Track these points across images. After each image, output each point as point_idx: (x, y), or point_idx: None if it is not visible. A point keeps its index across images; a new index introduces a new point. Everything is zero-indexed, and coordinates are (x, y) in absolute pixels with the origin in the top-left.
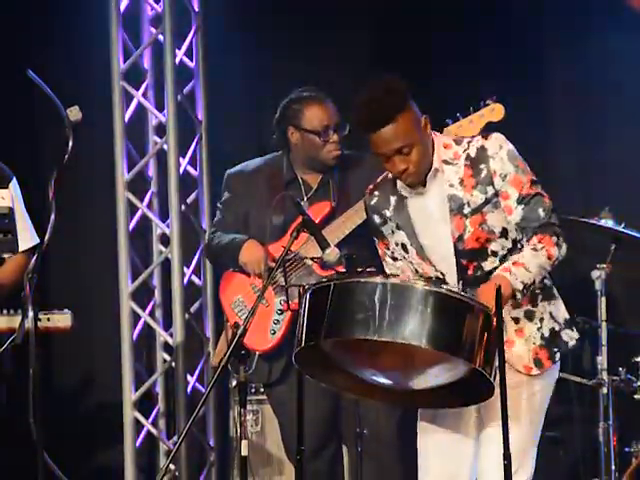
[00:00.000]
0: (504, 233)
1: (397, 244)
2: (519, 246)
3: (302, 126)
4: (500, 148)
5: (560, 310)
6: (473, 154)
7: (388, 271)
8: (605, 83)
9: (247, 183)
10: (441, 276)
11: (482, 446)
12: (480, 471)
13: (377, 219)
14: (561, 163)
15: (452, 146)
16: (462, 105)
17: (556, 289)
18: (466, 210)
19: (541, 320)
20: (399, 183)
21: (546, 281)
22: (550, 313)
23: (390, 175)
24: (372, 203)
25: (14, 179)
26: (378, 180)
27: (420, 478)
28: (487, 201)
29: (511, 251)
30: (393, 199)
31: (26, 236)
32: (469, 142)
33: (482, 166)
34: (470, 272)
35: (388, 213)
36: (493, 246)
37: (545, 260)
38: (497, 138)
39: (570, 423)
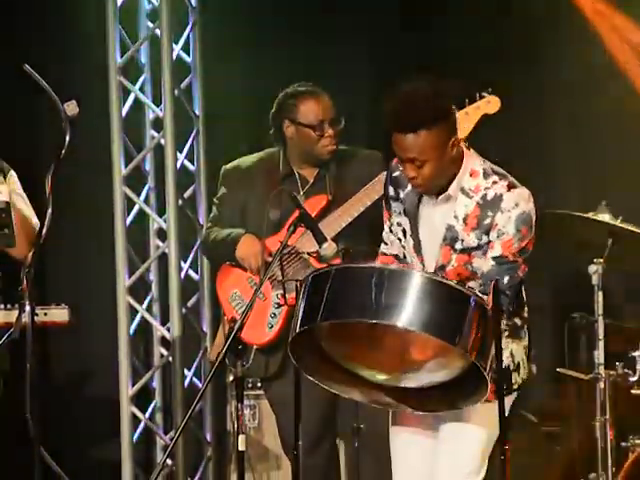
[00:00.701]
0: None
1: (399, 225)
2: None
3: (297, 120)
4: (515, 207)
5: (520, 351)
6: (489, 197)
7: (383, 234)
8: (603, 78)
9: (243, 178)
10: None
11: (439, 462)
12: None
13: (392, 192)
14: (558, 158)
15: (479, 176)
16: (458, 97)
17: (526, 330)
18: (457, 246)
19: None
20: None
21: (517, 320)
22: (511, 351)
23: None
24: (394, 174)
25: (12, 171)
26: None
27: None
28: (479, 247)
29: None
30: (410, 185)
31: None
32: (494, 182)
33: (490, 213)
34: None
35: (402, 194)
36: (471, 284)
37: None
38: (520, 195)
39: (567, 418)
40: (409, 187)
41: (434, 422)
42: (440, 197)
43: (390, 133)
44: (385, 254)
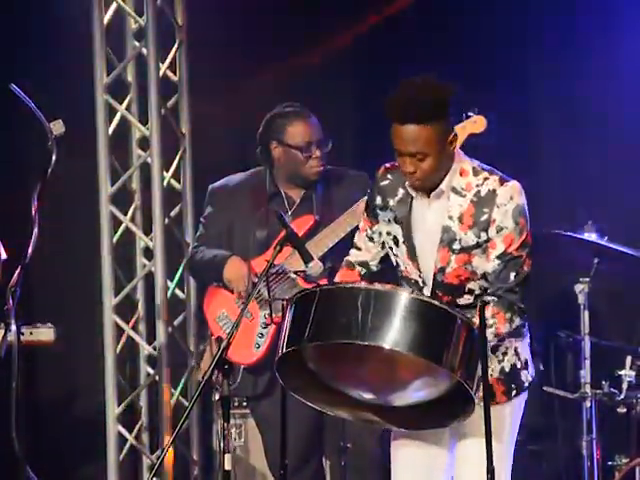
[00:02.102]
0: (485, 275)
1: (389, 234)
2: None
3: (285, 141)
4: (510, 200)
5: (525, 348)
6: (483, 194)
7: (356, 240)
8: (590, 98)
9: (230, 197)
10: (421, 284)
11: (458, 466)
12: None
13: (379, 201)
14: (545, 177)
15: (469, 174)
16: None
17: (527, 327)
18: (455, 246)
19: (504, 354)
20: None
21: (517, 320)
22: (515, 349)
23: None
24: (382, 184)
25: None
26: (396, 163)
27: None
28: (478, 245)
29: (487, 290)
30: (401, 191)
31: None
32: (486, 179)
33: (485, 210)
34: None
35: (392, 202)
36: (471, 285)
37: (492, 337)
38: (513, 188)
39: (553, 436)
40: (400, 194)
41: (443, 436)
42: (432, 194)
43: (391, 129)
44: (351, 263)
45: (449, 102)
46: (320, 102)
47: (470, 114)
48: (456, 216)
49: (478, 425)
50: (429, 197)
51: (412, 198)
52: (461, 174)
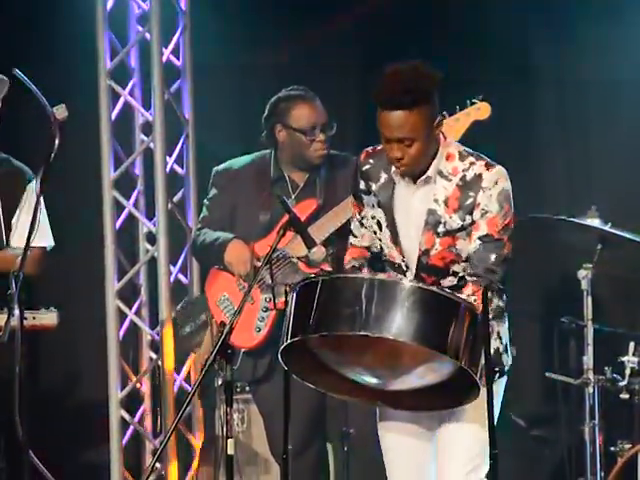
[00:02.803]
0: (469, 258)
1: (373, 218)
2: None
3: (289, 124)
4: (495, 184)
5: (506, 332)
6: (469, 178)
7: (352, 228)
8: (591, 83)
9: (234, 180)
10: (404, 267)
11: (442, 450)
12: (442, 471)
13: (363, 185)
14: (548, 163)
15: (455, 159)
16: (449, 104)
17: (506, 313)
18: (440, 229)
19: None
20: (393, 167)
21: (500, 302)
22: (498, 332)
23: None
24: (364, 169)
25: (31, 183)
26: (378, 147)
27: (388, 474)
28: (462, 228)
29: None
30: (384, 176)
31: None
32: (472, 163)
33: (471, 194)
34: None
35: (374, 187)
36: (456, 267)
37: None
38: (498, 172)
39: (556, 422)
40: (382, 179)
41: (426, 419)
42: (419, 180)
43: (378, 117)
44: (355, 246)
45: (435, 88)
46: (322, 84)
47: (474, 101)
48: (442, 199)
49: (461, 410)
50: (415, 183)
51: (395, 184)
52: (447, 158)
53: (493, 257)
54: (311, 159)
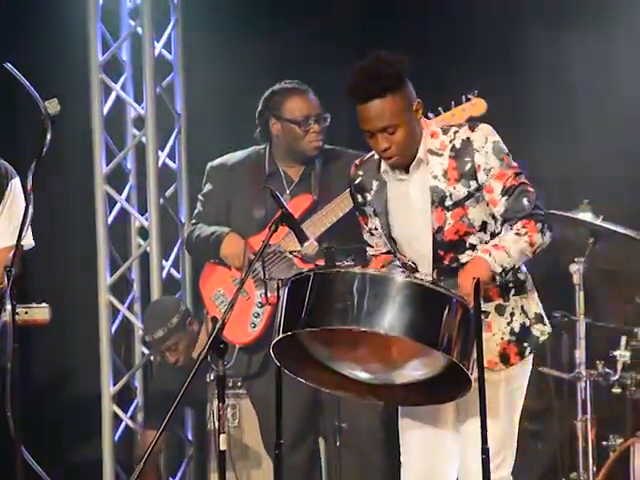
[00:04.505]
0: (483, 227)
1: (376, 229)
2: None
3: (283, 116)
4: (486, 141)
5: (532, 304)
6: (458, 145)
7: (365, 239)
8: (585, 79)
9: (229, 175)
10: (413, 265)
11: (463, 445)
12: (464, 469)
13: (360, 198)
14: (540, 156)
15: (439, 135)
16: (444, 99)
17: (532, 281)
18: (448, 203)
19: (512, 315)
20: (382, 166)
21: (519, 275)
22: (522, 307)
23: (376, 156)
24: (356, 182)
25: (14, 180)
26: (365, 157)
27: (403, 474)
28: (470, 195)
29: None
30: (375, 184)
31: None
32: (456, 132)
33: (467, 159)
34: (446, 262)
35: (369, 197)
36: (472, 239)
37: (527, 246)
38: (483, 129)
39: (548, 417)
40: (374, 187)
41: (448, 415)
42: (412, 165)
43: (357, 114)
44: (375, 256)
45: (404, 72)
46: (317, 79)
47: (470, 97)
48: (440, 174)
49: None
50: (408, 172)
51: (386, 185)
52: (432, 136)
53: (525, 201)
54: (306, 151)
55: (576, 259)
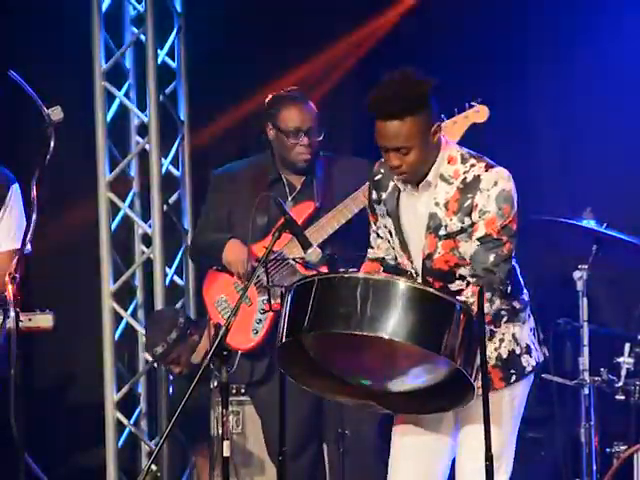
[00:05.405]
0: None
1: (385, 227)
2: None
3: (277, 124)
4: (494, 185)
5: (524, 333)
6: (469, 179)
7: (370, 239)
8: (588, 85)
9: (232, 183)
10: (414, 275)
11: (458, 453)
12: (460, 477)
13: (375, 195)
14: (543, 164)
15: (457, 162)
16: (447, 106)
17: (530, 312)
18: (441, 232)
19: (501, 341)
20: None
21: (515, 303)
22: (513, 335)
23: None
24: (376, 179)
25: (14, 186)
26: None
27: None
28: (462, 230)
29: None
30: (391, 185)
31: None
32: (472, 165)
33: (469, 195)
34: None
35: (384, 196)
36: (462, 271)
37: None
38: (497, 173)
39: (552, 424)
40: (390, 188)
41: (445, 422)
42: (421, 185)
43: (374, 126)
44: (371, 259)
45: (429, 95)
46: (320, 89)
47: (473, 104)
48: (442, 202)
49: (479, 412)
50: (418, 189)
51: (399, 191)
52: (449, 162)
53: (492, 257)
54: (294, 162)
55: (580, 266)
